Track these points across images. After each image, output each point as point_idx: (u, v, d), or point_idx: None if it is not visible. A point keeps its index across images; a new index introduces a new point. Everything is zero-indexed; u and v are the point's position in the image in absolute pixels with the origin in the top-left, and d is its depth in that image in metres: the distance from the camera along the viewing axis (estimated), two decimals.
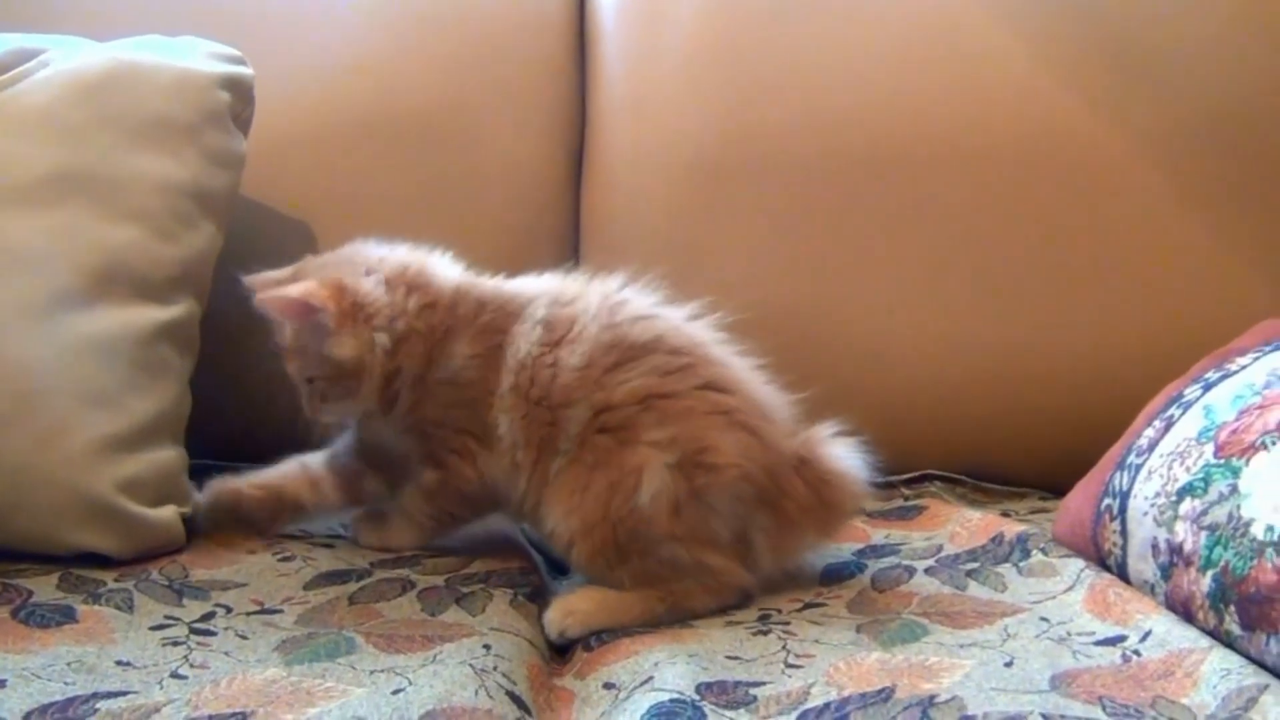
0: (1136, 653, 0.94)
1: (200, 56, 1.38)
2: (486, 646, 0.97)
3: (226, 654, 0.98)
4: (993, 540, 1.21)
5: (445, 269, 1.24)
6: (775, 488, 1.13)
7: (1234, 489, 0.98)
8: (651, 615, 1.09)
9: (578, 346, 1.14)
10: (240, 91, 1.39)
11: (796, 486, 1.14)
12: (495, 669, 0.93)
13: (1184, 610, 1.00)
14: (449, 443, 1.20)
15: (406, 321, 1.18)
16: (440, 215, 1.54)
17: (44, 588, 1.09)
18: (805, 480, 1.14)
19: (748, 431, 1.13)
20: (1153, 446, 1.12)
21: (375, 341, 1.18)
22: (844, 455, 1.16)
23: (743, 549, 1.13)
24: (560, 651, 1.08)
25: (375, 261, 1.22)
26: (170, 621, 1.04)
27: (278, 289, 1.18)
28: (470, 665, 0.93)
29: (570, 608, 1.10)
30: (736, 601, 1.13)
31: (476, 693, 0.89)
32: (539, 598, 1.14)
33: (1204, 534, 0.99)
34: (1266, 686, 0.85)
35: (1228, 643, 0.94)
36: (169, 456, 1.24)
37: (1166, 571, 1.03)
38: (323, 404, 1.22)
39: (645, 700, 0.89)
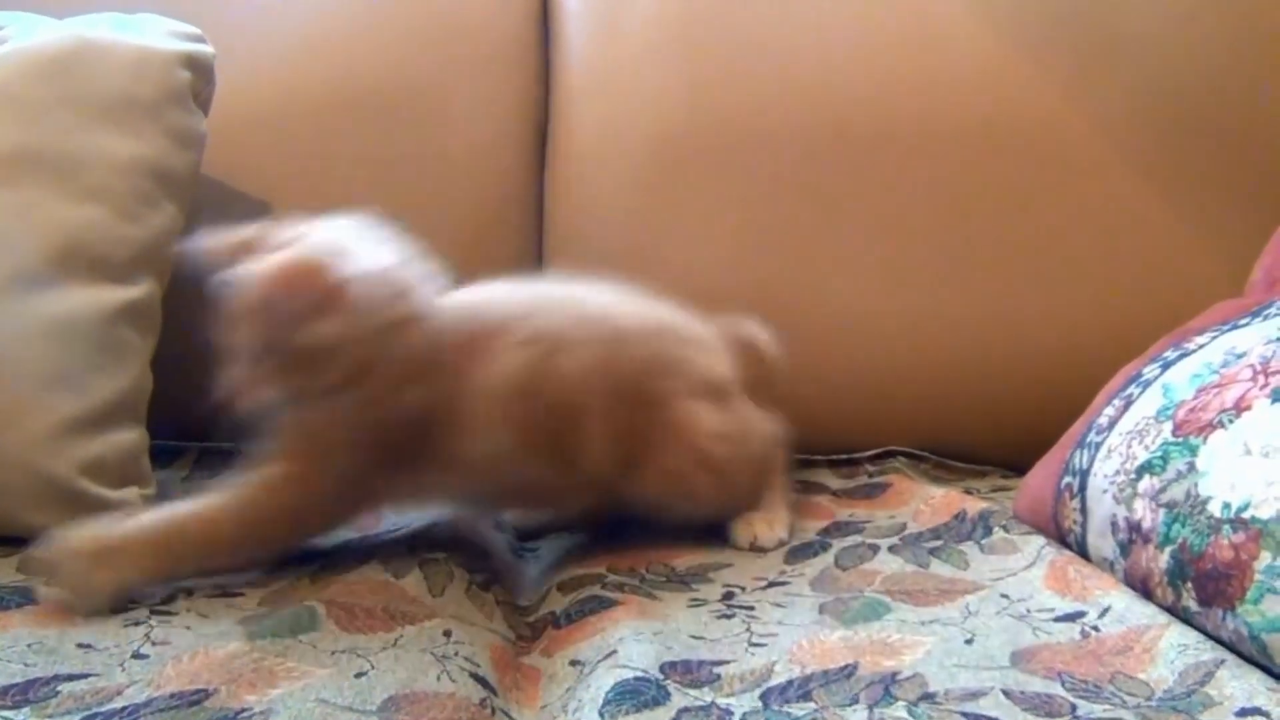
0: (1095, 629, 0.95)
1: (160, 34, 1.37)
2: (447, 633, 0.97)
3: (188, 628, 0.97)
4: (955, 518, 1.22)
5: None
6: None
7: (1192, 467, 0.99)
8: None
9: None
10: (201, 70, 1.38)
11: None
12: (457, 654, 0.93)
13: (1142, 587, 1.01)
14: None
15: None
16: (403, 194, 1.53)
17: (3, 570, 1.09)
18: None
19: None
20: (1112, 425, 1.13)
21: None
22: None
23: None
24: (548, 627, 1.08)
25: None
26: (131, 604, 1.03)
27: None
28: (431, 653, 0.93)
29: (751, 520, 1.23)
30: None
31: (439, 678, 0.89)
32: (495, 583, 1.14)
33: (1162, 511, 1.00)
34: (1223, 661, 0.86)
35: (1185, 618, 0.95)
36: (131, 438, 1.23)
37: (1125, 548, 1.04)
38: None
39: (609, 678, 0.89)
